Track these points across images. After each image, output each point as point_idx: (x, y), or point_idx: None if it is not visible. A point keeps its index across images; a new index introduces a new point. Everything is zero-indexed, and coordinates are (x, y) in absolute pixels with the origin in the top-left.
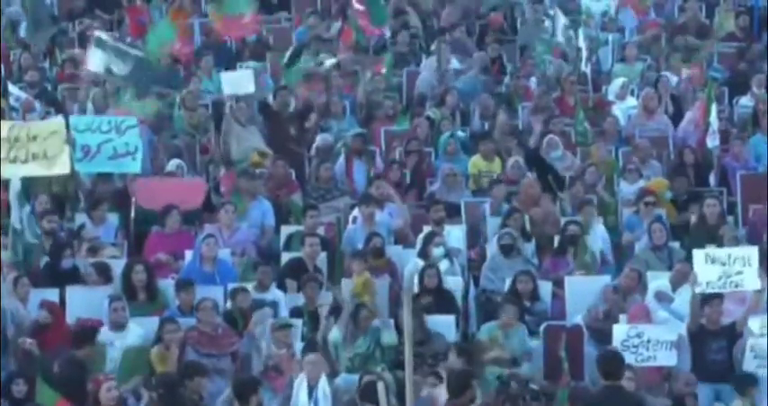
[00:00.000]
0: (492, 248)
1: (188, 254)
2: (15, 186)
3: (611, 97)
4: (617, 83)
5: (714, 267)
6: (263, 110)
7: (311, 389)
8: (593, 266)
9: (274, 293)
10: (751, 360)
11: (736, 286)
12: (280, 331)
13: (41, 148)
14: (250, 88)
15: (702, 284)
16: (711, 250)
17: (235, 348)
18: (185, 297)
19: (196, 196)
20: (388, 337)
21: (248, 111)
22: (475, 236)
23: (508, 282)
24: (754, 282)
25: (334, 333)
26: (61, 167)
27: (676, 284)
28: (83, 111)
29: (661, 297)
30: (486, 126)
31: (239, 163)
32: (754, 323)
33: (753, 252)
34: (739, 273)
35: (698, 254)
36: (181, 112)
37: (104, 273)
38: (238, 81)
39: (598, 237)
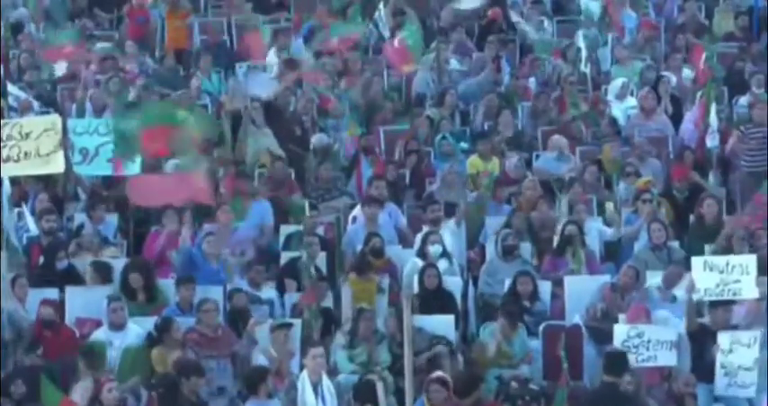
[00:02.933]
0: (490, 250)
1: None
2: (6, 188)
3: (610, 97)
4: (617, 83)
5: (712, 274)
6: (266, 110)
7: (315, 386)
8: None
9: (268, 292)
10: (722, 378)
11: (734, 294)
12: (279, 331)
13: (34, 146)
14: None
15: (700, 291)
16: (710, 257)
17: (234, 350)
18: (185, 293)
19: (189, 190)
20: (384, 357)
21: (262, 113)
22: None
23: (507, 283)
24: (751, 291)
25: (339, 339)
26: (55, 166)
27: (669, 285)
28: (81, 112)
29: (660, 297)
30: (486, 126)
31: (253, 163)
32: (724, 339)
33: (751, 261)
34: (737, 281)
35: (696, 261)
36: None
37: (104, 273)
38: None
39: (594, 236)
